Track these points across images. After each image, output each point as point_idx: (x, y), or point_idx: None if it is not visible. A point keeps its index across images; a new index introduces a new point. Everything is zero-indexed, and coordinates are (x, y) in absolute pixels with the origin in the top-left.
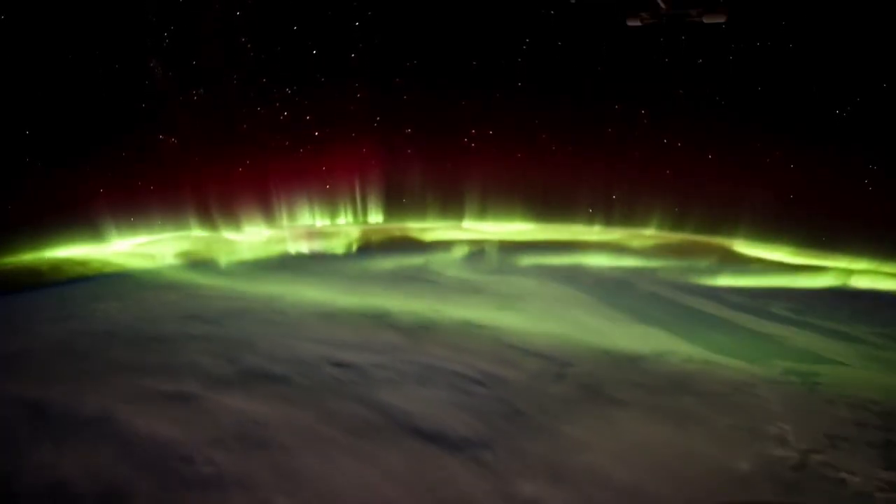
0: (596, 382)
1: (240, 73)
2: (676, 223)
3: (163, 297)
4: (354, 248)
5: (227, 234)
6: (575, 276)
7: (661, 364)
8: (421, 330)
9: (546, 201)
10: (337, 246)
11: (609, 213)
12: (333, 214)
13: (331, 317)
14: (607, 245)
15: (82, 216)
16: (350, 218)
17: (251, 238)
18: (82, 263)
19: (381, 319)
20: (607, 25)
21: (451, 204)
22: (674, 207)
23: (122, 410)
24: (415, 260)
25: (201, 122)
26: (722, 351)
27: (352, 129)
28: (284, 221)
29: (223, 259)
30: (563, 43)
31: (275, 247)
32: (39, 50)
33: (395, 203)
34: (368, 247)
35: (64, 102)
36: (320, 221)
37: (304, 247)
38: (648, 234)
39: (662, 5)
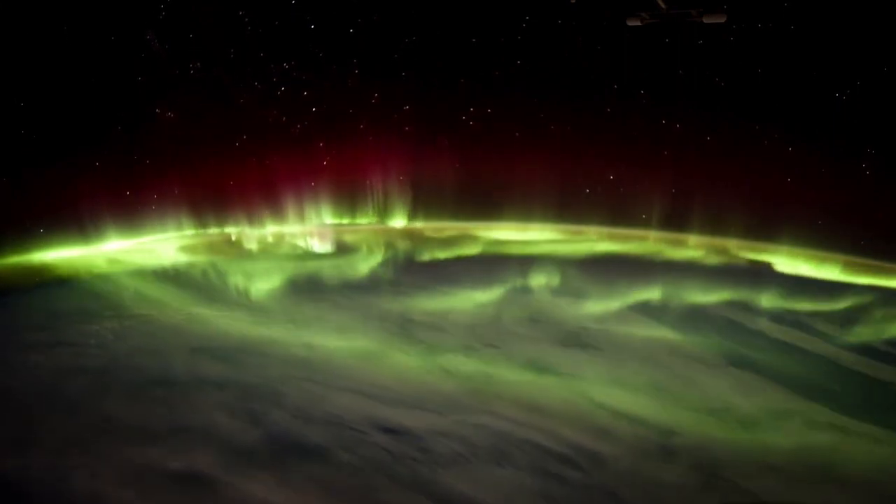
0: (713, 461)
1: (237, 47)
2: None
3: (165, 319)
4: (378, 255)
5: (233, 231)
6: (638, 300)
7: (783, 432)
8: (482, 377)
9: (563, 197)
10: (356, 252)
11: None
12: (341, 207)
13: (368, 356)
14: (651, 257)
15: (74, 210)
16: (359, 213)
17: (259, 235)
18: (75, 267)
19: (429, 360)
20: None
21: (462, 194)
22: (710, 211)
23: (117, 499)
24: (452, 276)
25: (198, 96)
26: (846, 409)
27: (349, 105)
28: (293, 216)
29: (230, 266)
30: (562, 21)
31: (286, 248)
32: (30, 19)
33: (403, 189)
34: (394, 254)
35: (55, 76)
36: (329, 218)
37: (318, 246)
38: (694, 243)
39: (662, 5)
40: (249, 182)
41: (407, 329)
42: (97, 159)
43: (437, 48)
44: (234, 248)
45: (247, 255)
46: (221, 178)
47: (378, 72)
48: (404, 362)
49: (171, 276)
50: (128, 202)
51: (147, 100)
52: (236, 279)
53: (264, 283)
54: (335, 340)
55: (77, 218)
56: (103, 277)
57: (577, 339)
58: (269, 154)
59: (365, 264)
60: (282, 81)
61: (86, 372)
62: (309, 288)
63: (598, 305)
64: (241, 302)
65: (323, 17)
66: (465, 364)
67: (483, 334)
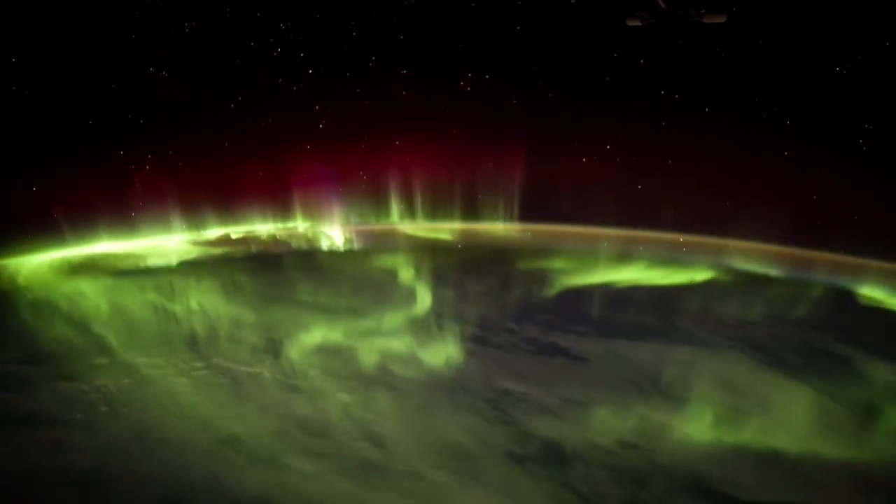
0: None
1: (232, 7)
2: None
3: (175, 375)
4: (442, 287)
5: (240, 231)
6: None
7: None
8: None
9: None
10: (411, 283)
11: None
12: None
13: (453, 451)
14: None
15: (63, 206)
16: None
17: (268, 232)
18: (60, 276)
19: (552, 470)
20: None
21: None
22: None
23: None
24: (543, 314)
25: (192, 57)
26: None
27: (345, 69)
28: (303, 210)
29: (251, 286)
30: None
31: (306, 249)
32: None
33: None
34: (441, 270)
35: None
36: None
37: (338, 241)
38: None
39: (662, 5)
40: (254, 172)
41: (517, 420)
42: (80, 144)
43: (436, 11)
44: (247, 249)
45: (265, 260)
46: (223, 168)
47: (375, 34)
48: (496, 458)
49: (175, 289)
50: (120, 196)
51: (140, 58)
52: (266, 316)
53: (301, 317)
54: (410, 430)
55: (60, 216)
56: (93, 294)
57: (743, 417)
58: (269, 116)
59: (435, 307)
60: (277, 42)
61: (66, 480)
62: (358, 342)
63: (742, 360)
64: (274, 351)
65: None
66: (585, 468)
67: (600, 403)
